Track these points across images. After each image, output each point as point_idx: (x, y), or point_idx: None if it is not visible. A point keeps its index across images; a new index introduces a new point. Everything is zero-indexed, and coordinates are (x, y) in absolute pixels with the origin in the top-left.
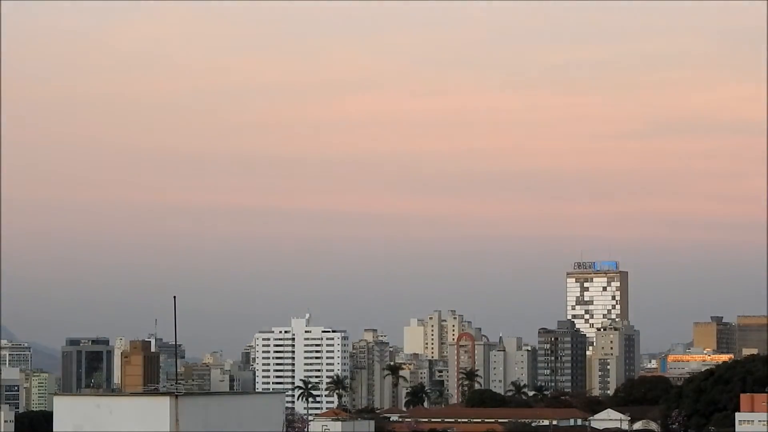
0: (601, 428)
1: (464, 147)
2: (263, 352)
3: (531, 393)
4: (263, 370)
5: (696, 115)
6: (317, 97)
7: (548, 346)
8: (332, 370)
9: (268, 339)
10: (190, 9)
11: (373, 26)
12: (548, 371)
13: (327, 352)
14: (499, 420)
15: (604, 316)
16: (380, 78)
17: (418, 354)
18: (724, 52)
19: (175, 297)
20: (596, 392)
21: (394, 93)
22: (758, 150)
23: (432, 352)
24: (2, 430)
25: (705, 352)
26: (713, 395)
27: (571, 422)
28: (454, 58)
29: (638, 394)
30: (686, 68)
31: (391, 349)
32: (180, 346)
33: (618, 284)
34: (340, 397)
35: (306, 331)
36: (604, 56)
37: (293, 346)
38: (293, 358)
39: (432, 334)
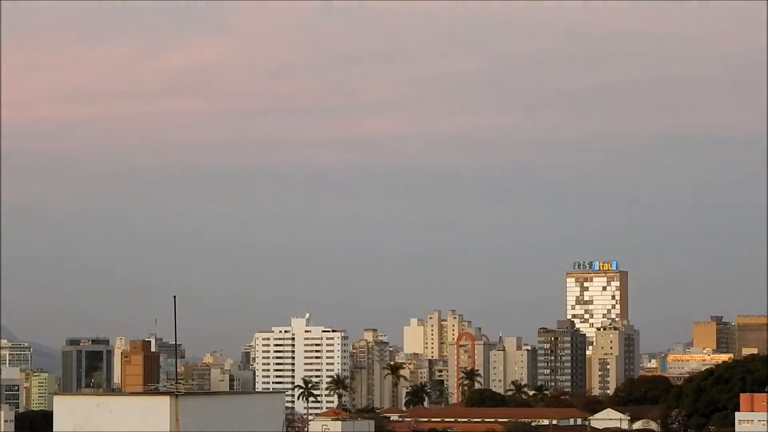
0: (601, 428)
1: (470, 157)
2: (263, 351)
3: (531, 393)
4: (263, 370)
5: (698, 130)
6: (330, 116)
7: (548, 345)
8: (332, 370)
9: (268, 339)
10: (228, 35)
11: (401, 54)
12: (548, 371)
13: (327, 351)
14: (499, 420)
15: (604, 315)
16: (405, 100)
17: (418, 354)
18: (727, 76)
19: (175, 297)
20: (596, 392)
21: (413, 113)
22: (758, 163)
23: (432, 352)
24: (2, 430)
25: (705, 351)
26: (713, 395)
27: (571, 422)
28: (477, 83)
29: (638, 393)
30: (692, 90)
31: (391, 348)
32: (180, 345)
33: (618, 284)
34: (340, 396)
35: (306, 331)
36: (614, 80)
37: (293, 345)
38: (293, 357)
39: (432, 334)
